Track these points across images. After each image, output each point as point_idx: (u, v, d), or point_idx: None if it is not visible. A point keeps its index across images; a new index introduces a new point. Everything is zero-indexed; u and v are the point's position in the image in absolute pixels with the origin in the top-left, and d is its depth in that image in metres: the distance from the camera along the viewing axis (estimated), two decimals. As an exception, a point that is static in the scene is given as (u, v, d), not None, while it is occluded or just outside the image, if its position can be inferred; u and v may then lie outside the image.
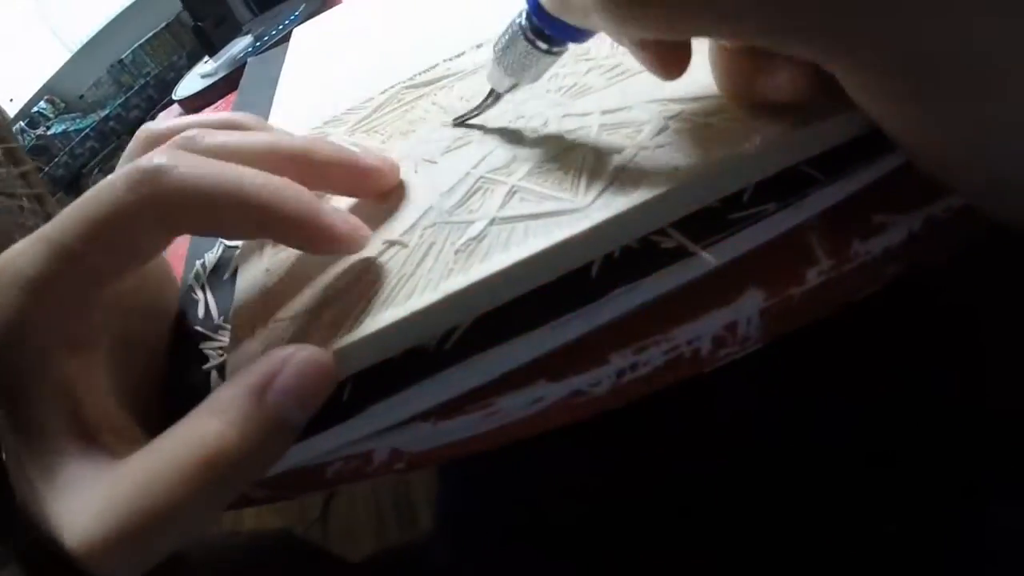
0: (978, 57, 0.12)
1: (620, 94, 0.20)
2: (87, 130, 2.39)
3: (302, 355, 0.15)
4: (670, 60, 0.17)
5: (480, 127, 0.22)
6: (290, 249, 0.21)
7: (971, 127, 0.14)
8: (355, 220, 0.18)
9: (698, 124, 0.18)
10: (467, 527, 0.30)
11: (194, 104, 0.56)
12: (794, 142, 0.17)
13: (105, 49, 2.46)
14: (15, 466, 0.16)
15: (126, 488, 0.14)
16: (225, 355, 0.20)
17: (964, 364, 0.23)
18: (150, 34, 2.46)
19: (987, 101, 0.13)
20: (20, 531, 0.16)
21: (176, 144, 0.18)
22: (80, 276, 0.16)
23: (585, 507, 0.26)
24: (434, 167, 0.21)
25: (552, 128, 0.20)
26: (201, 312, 0.23)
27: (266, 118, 0.32)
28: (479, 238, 0.17)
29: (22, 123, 2.34)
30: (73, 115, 2.48)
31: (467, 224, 0.18)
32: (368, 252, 0.19)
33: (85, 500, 0.15)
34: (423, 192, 0.20)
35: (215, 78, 0.56)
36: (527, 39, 0.18)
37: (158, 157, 0.16)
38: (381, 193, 0.21)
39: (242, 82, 0.46)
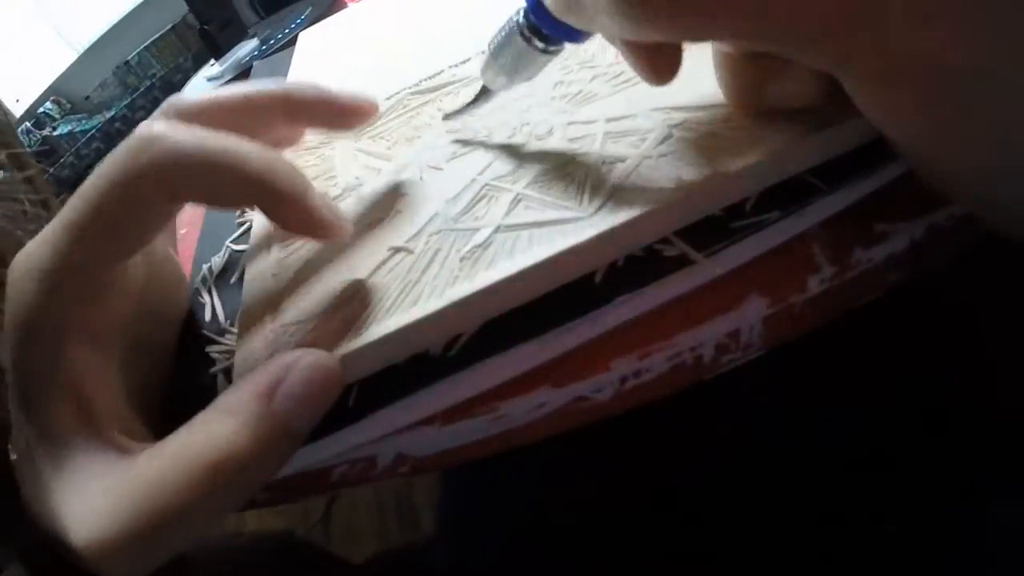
0: (978, 69, 0.13)
1: (625, 102, 0.20)
2: (93, 131, 2.39)
3: (309, 360, 0.15)
4: (663, 65, 0.17)
5: (485, 135, 0.22)
6: (296, 254, 0.21)
7: (972, 139, 0.14)
8: (339, 211, 0.18)
9: (702, 133, 0.18)
10: (469, 530, 0.30)
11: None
12: (797, 152, 0.17)
13: (111, 51, 2.47)
14: (26, 461, 0.16)
15: (136, 487, 0.15)
16: (231, 358, 0.20)
17: (964, 365, 0.23)
18: (156, 36, 2.46)
19: (988, 113, 0.13)
20: (23, 531, 0.16)
21: (163, 112, 0.19)
22: (90, 258, 0.16)
23: (586, 511, 0.26)
24: (440, 173, 0.21)
25: (557, 136, 0.20)
26: (208, 315, 0.23)
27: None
28: (484, 245, 0.17)
29: (28, 123, 2.35)
30: (79, 116, 2.48)
31: (472, 231, 0.18)
32: (374, 258, 0.19)
33: (94, 498, 0.15)
34: (429, 199, 0.20)
35: (221, 81, 0.56)
36: (524, 37, 0.18)
37: (155, 126, 0.16)
38: (358, 125, 0.22)
39: (248, 85, 0.46)
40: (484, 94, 0.22)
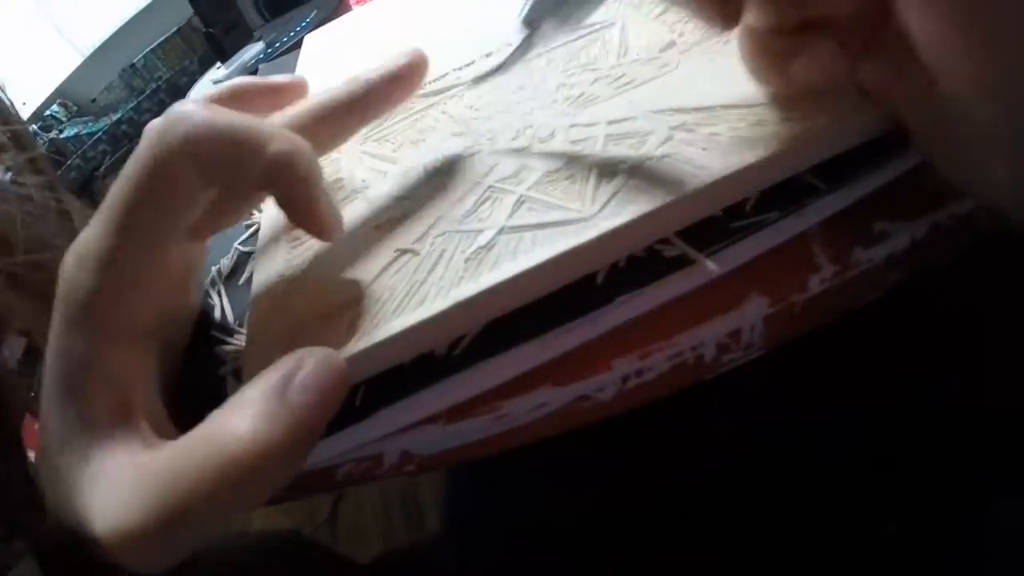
0: None
1: (626, 104, 0.20)
2: (99, 134, 2.41)
3: (318, 356, 0.16)
4: (729, 9, 0.17)
5: (488, 138, 0.22)
6: (304, 255, 0.21)
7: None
8: (338, 215, 0.19)
9: (703, 134, 0.18)
10: (473, 528, 0.30)
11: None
12: (798, 151, 0.17)
13: (117, 53, 2.48)
14: (52, 454, 0.17)
15: (160, 480, 0.15)
16: (240, 359, 0.20)
17: (964, 365, 0.23)
18: (162, 39, 2.47)
19: None
20: (39, 525, 0.17)
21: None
22: (133, 240, 0.17)
23: (589, 511, 0.26)
24: (444, 176, 0.21)
25: (559, 138, 0.20)
26: (217, 315, 0.23)
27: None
28: (488, 247, 0.18)
29: (35, 126, 2.36)
30: (85, 119, 2.50)
31: (477, 233, 0.18)
32: (381, 260, 0.19)
33: (120, 489, 0.15)
34: (434, 201, 0.20)
35: (227, 84, 0.57)
36: None
37: (182, 105, 0.17)
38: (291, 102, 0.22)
39: (254, 89, 0.46)
40: (523, 49, 0.20)
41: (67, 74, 2.48)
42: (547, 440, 0.18)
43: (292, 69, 0.42)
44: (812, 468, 0.24)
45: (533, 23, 0.20)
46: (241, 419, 0.15)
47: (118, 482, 0.15)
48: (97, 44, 2.49)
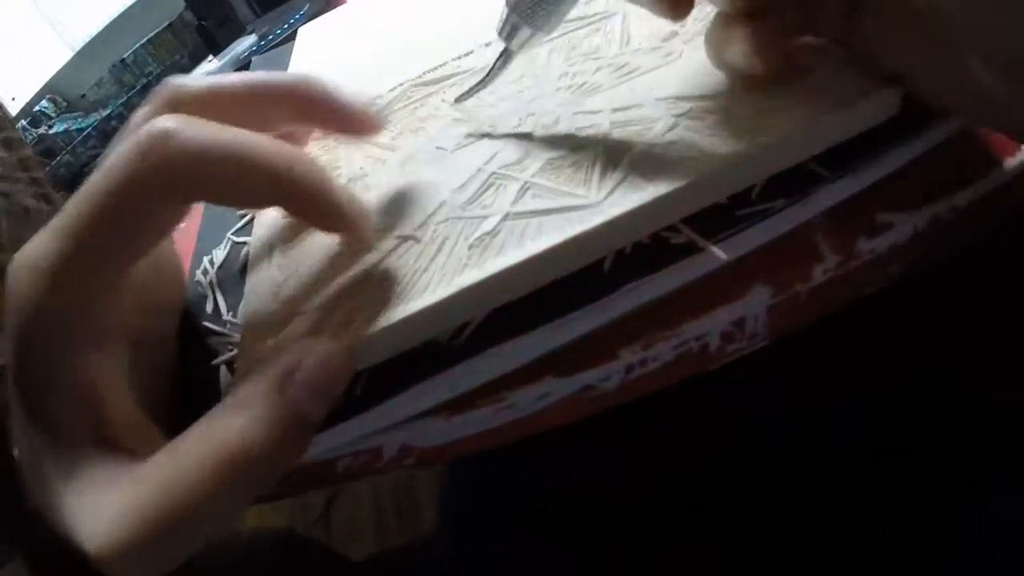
0: None
1: (630, 92, 0.20)
2: (89, 129, 2.38)
3: (319, 349, 0.15)
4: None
5: (490, 125, 0.22)
6: (301, 243, 0.21)
7: None
8: (361, 204, 0.18)
9: (709, 121, 0.18)
10: (471, 521, 0.30)
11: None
12: (804, 138, 0.17)
13: (107, 49, 2.46)
14: (32, 466, 0.16)
15: (148, 489, 0.14)
16: (234, 350, 0.20)
17: (967, 360, 0.23)
18: (152, 34, 2.46)
19: None
20: (30, 530, 0.16)
21: (162, 98, 0.18)
22: (98, 258, 0.15)
23: (590, 502, 0.26)
24: (445, 163, 0.21)
25: (563, 125, 0.20)
26: (209, 308, 0.23)
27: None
28: (493, 233, 0.17)
29: (24, 122, 2.34)
30: (75, 114, 2.47)
31: (480, 219, 0.18)
32: (381, 247, 0.19)
33: (105, 502, 0.14)
34: (435, 188, 0.20)
35: (220, 77, 0.56)
36: None
37: (168, 121, 0.15)
38: (362, 137, 0.21)
39: (247, 81, 0.46)
40: (503, 58, 0.20)
41: (57, 69, 2.46)
42: (550, 431, 0.18)
43: (286, 62, 0.41)
44: (815, 458, 0.24)
45: (510, 35, 0.19)
46: (236, 417, 0.15)
47: (104, 495, 0.15)
48: (87, 39, 2.47)
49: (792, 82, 0.17)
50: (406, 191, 0.21)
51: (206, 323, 0.22)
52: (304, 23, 0.52)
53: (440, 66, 0.26)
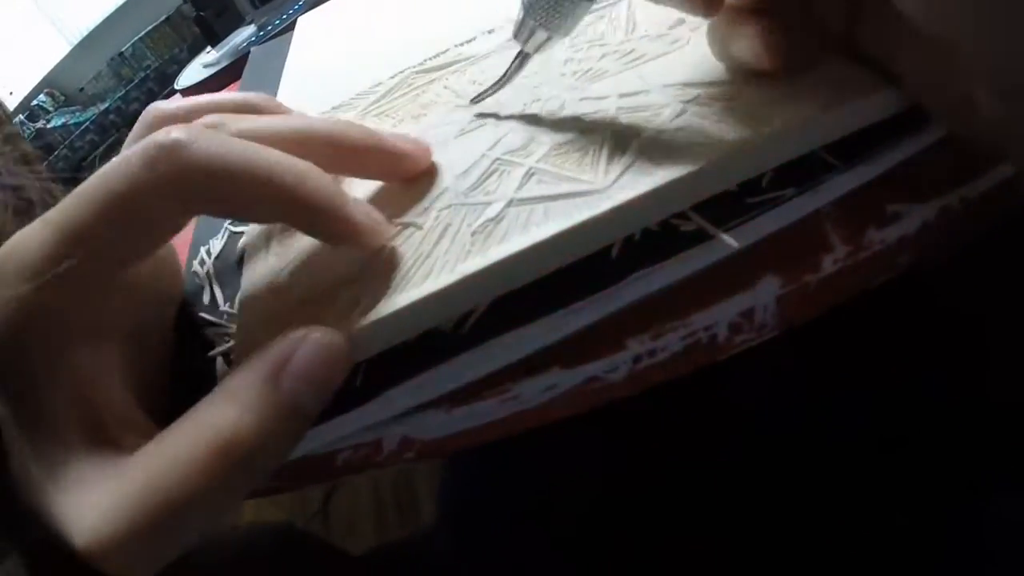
0: None
1: (637, 78, 0.20)
2: (87, 123, 2.38)
3: (315, 337, 0.15)
4: None
5: (494, 111, 0.21)
6: (299, 234, 0.20)
7: None
8: (376, 214, 0.17)
9: (717, 108, 0.17)
10: (472, 514, 0.30)
11: (196, 94, 0.56)
12: (813, 126, 0.16)
13: (105, 42, 2.45)
14: (19, 463, 0.15)
15: (137, 482, 0.14)
16: (232, 340, 0.20)
17: (969, 359, 0.23)
18: (150, 27, 2.45)
19: None
20: (25, 527, 0.16)
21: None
22: (93, 261, 0.15)
23: (593, 495, 0.26)
24: (448, 149, 0.21)
25: (569, 111, 0.20)
26: (206, 298, 0.22)
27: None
28: (497, 219, 0.17)
29: (22, 116, 2.33)
30: (73, 108, 2.47)
31: (484, 206, 0.18)
32: None
33: (94, 497, 0.14)
34: (437, 174, 0.20)
35: (218, 67, 0.56)
36: None
37: (177, 132, 0.15)
38: (411, 177, 0.20)
39: (246, 71, 0.45)
40: (519, 60, 0.20)
41: (55, 63, 2.45)
42: (555, 423, 0.17)
43: (285, 52, 0.41)
44: (824, 449, 0.23)
45: (527, 38, 0.19)
46: (228, 408, 0.14)
47: (93, 491, 0.14)
48: (85, 32, 2.46)
49: (798, 75, 0.17)
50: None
51: (203, 314, 0.22)
52: (303, 12, 0.51)
53: (442, 53, 0.26)
